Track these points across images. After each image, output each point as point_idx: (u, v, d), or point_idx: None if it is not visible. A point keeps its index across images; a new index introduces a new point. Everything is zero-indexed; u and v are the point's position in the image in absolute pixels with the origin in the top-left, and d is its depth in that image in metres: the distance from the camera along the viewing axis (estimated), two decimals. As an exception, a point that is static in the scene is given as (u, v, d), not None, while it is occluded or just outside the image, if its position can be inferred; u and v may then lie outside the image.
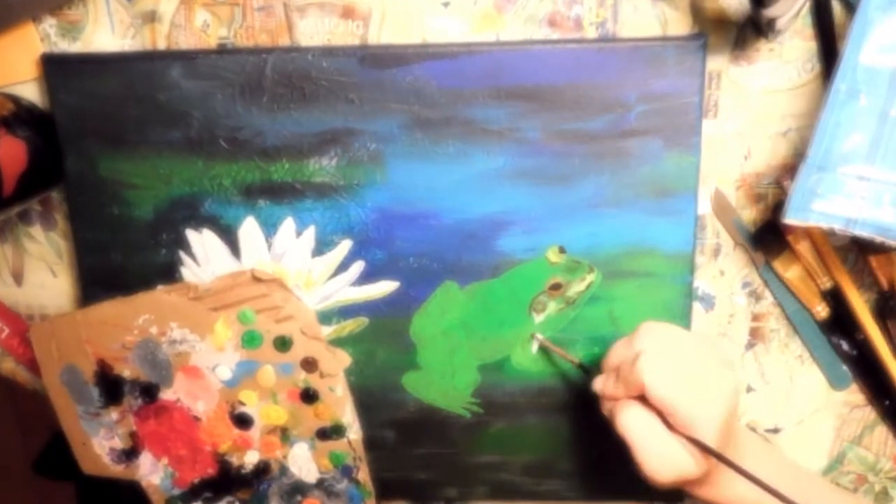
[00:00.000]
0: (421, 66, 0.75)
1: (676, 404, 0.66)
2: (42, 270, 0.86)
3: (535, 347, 0.81)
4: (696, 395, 0.66)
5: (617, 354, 0.72)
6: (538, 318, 0.80)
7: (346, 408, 0.83)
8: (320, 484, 0.87)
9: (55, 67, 0.78)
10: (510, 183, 0.77)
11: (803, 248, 0.78)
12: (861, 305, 0.79)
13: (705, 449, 0.65)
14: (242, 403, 0.83)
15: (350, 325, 0.82)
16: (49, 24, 0.79)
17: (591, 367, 0.78)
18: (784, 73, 0.76)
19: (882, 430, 0.85)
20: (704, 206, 0.79)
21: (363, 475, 0.86)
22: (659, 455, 0.67)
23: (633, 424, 0.68)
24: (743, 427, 0.79)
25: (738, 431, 0.72)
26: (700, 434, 0.66)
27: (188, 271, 0.81)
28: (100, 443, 0.86)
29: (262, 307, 0.79)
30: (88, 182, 0.80)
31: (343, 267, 0.80)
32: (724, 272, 0.81)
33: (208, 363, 0.82)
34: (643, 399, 0.68)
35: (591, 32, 0.76)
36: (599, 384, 0.73)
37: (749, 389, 0.84)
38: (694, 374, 0.67)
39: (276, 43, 0.78)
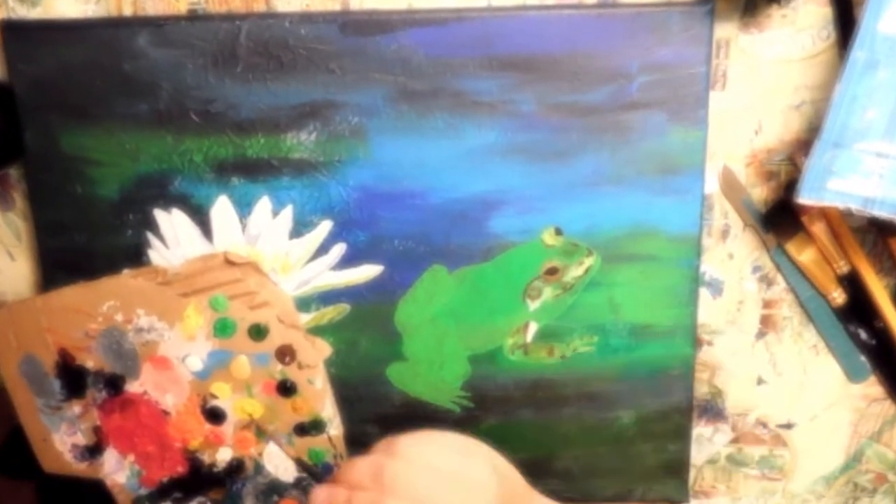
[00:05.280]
0: (407, 34, 0.75)
1: None
2: (-1, 254, 0.87)
3: (529, 336, 0.82)
4: None
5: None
6: (533, 305, 0.81)
7: (326, 401, 0.84)
8: (298, 483, 0.87)
9: (14, 35, 0.78)
10: (503, 159, 0.78)
11: (818, 229, 0.79)
12: (880, 291, 0.80)
13: None
14: (214, 396, 0.84)
15: (330, 313, 0.82)
16: (6, -12, 0.79)
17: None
18: (797, 41, 0.76)
19: (903, 426, 0.86)
20: (712, 185, 0.80)
21: (345, 474, 0.87)
22: None
23: None
24: None
25: None
26: None
27: (156, 254, 0.82)
28: (61, 439, 0.86)
29: (235, 293, 0.80)
30: (49, 158, 0.80)
31: (323, 249, 0.81)
32: (733, 255, 0.82)
33: (178, 353, 0.82)
34: None
35: (589, -3, 0.76)
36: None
37: (760, 382, 0.85)
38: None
39: (251, 8, 0.79)
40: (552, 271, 0.80)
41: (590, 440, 0.86)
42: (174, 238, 0.81)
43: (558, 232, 0.79)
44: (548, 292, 0.81)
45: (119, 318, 0.81)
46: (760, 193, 0.80)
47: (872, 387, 0.85)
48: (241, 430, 0.85)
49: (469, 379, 0.84)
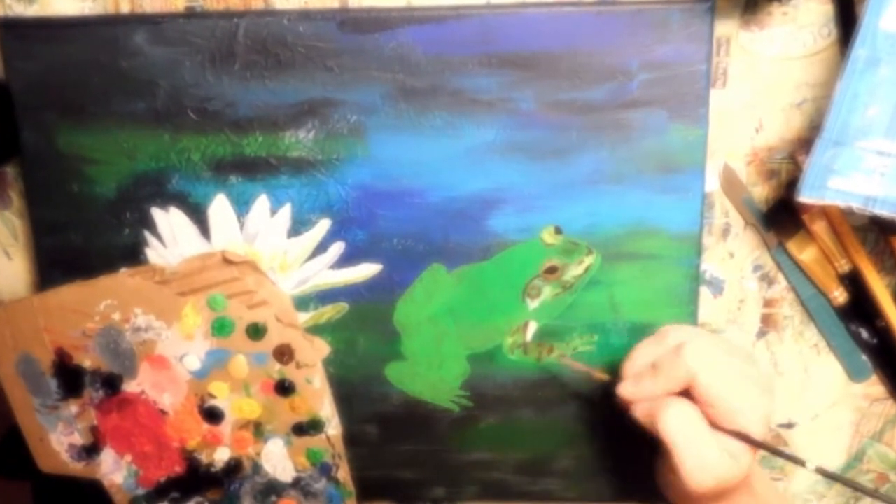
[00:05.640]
0: (405, 31, 0.75)
1: (725, 394, 0.68)
2: (-4, 253, 0.87)
3: (529, 335, 0.82)
4: (741, 390, 0.68)
5: (645, 354, 0.73)
6: (532, 304, 0.81)
7: (325, 401, 0.84)
8: (297, 483, 0.87)
9: (10, 33, 0.78)
10: (502, 158, 0.78)
11: (819, 228, 0.79)
12: (882, 290, 0.80)
13: (753, 442, 0.67)
14: (212, 396, 0.84)
15: (329, 312, 0.82)
16: (3, -15, 0.79)
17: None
18: (798, 38, 0.76)
19: (904, 426, 0.86)
20: (712, 183, 0.80)
21: (343, 474, 0.87)
22: (702, 457, 0.68)
23: (678, 423, 0.69)
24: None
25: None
26: (745, 429, 0.67)
27: (154, 253, 0.82)
28: (58, 438, 0.86)
29: (233, 292, 0.80)
30: (46, 156, 0.80)
31: (321, 248, 0.81)
32: (734, 254, 0.82)
33: (175, 352, 0.82)
34: (685, 396, 0.69)
35: (589, -6, 0.76)
36: (629, 388, 0.74)
37: (761, 381, 0.85)
38: (737, 370, 0.69)
39: (249, 6, 0.79)
40: (552, 270, 0.80)
41: (590, 440, 0.86)
42: (172, 237, 0.81)
43: (558, 230, 0.79)
44: (547, 291, 0.81)
45: (116, 317, 0.81)
46: (761, 192, 0.80)
47: (874, 386, 0.85)
48: (240, 429, 0.85)
49: (468, 378, 0.84)
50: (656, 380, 0.71)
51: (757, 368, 0.71)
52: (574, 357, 0.81)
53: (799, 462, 0.68)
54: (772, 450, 0.69)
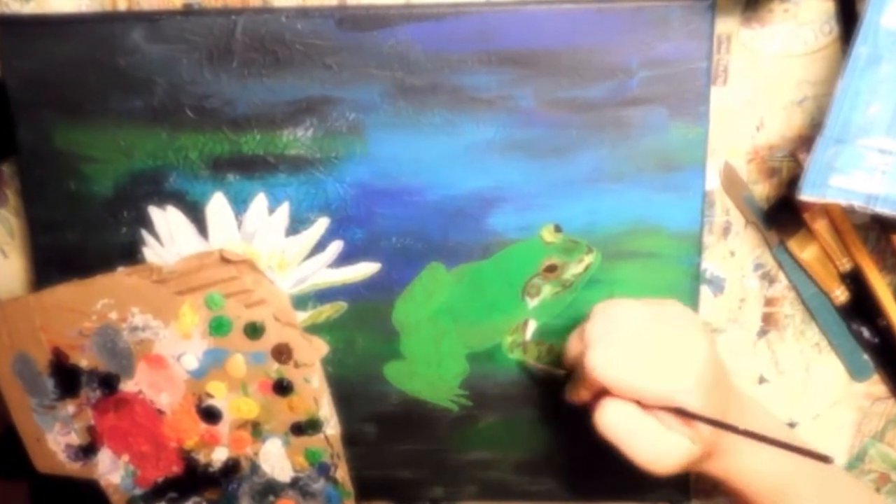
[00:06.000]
0: (404, 29, 0.75)
1: (642, 386, 0.66)
2: (-8, 251, 0.87)
3: (528, 334, 0.82)
4: (662, 369, 0.66)
5: (572, 350, 0.72)
6: (532, 303, 0.81)
7: (323, 400, 0.84)
8: (295, 483, 0.87)
9: (7, 30, 0.78)
10: (501, 156, 0.78)
11: (820, 226, 0.79)
12: (883, 289, 0.80)
13: (689, 415, 0.65)
14: (210, 395, 0.84)
15: (327, 311, 0.82)
16: (-1, -17, 0.79)
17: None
18: (800, 36, 0.76)
19: (906, 426, 0.86)
20: (713, 181, 0.80)
21: (341, 474, 0.87)
22: (651, 446, 0.67)
23: (614, 422, 0.67)
24: (746, 395, 0.79)
25: (737, 397, 0.72)
26: (681, 405, 0.65)
27: (151, 252, 0.82)
28: (55, 438, 0.86)
29: (231, 291, 0.80)
30: (43, 155, 0.80)
31: (320, 247, 0.81)
32: (735, 253, 0.82)
33: (173, 352, 0.82)
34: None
35: (589, -9, 0.76)
36: (568, 393, 0.75)
37: (762, 380, 0.85)
38: (654, 348, 0.67)
39: (247, 3, 0.79)
40: (551, 269, 0.80)
41: (588, 440, 0.85)
42: (169, 235, 0.81)
43: (558, 229, 0.79)
44: (547, 290, 0.81)
45: (113, 316, 0.81)
46: (762, 190, 0.80)
47: (876, 385, 0.85)
48: (238, 429, 0.85)
49: (467, 377, 0.84)
50: (578, 386, 0.71)
51: (686, 335, 0.68)
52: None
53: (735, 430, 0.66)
54: (703, 419, 0.66)
